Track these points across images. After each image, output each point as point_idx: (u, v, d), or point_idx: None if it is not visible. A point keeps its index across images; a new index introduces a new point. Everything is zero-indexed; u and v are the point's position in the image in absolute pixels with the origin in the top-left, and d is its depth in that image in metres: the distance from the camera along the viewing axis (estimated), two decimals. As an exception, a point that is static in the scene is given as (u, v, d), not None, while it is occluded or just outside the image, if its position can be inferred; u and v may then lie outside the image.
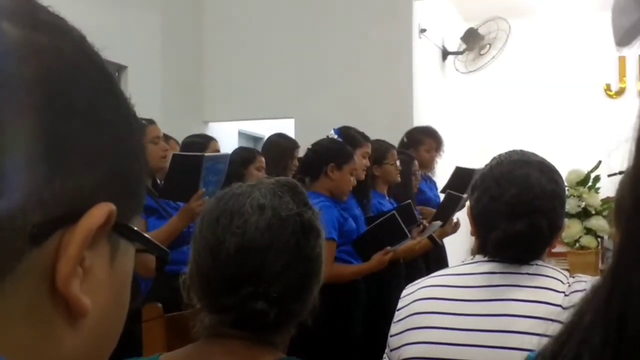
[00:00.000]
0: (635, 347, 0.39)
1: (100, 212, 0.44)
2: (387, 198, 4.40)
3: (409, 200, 4.14)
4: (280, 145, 4.58)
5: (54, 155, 0.42)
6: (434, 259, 4.54)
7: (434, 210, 4.69)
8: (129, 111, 0.50)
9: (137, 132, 0.50)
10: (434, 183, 5.34)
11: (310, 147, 3.82)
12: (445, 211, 4.37)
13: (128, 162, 0.49)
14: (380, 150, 4.29)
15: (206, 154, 3.56)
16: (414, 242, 4.09)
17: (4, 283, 0.41)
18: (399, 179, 4.36)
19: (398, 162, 4.34)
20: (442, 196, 4.94)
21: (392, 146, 4.46)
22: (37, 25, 0.44)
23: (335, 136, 3.87)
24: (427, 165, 5.12)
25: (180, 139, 4.58)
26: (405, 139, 5.11)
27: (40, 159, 0.41)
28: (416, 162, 4.72)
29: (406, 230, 3.65)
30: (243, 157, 4.36)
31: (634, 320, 0.40)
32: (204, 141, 4.43)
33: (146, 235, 0.50)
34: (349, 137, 3.92)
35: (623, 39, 0.44)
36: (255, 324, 1.20)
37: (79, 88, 0.45)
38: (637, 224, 0.40)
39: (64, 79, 0.44)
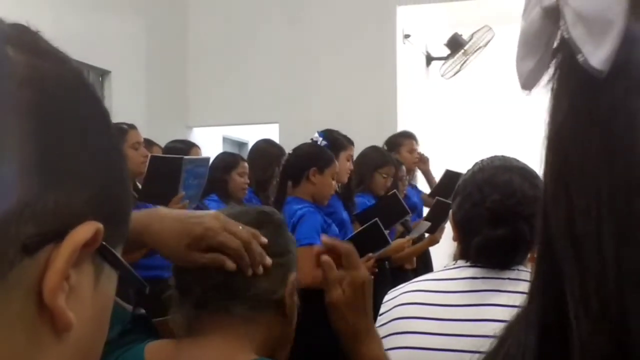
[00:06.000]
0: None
1: (88, 228, 0.46)
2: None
3: (394, 190, 4.15)
4: (267, 152, 4.57)
5: (48, 172, 0.44)
6: (420, 264, 4.55)
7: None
8: (118, 142, 0.53)
9: (124, 163, 0.53)
10: (417, 189, 5.37)
11: (291, 151, 3.83)
12: (434, 218, 4.38)
13: (116, 189, 0.51)
14: (379, 158, 4.34)
15: (185, 157, 3.54)
16: (402, 240, 4.12)
17: None
18: (382, 192, 4.41)
19: (389, 180, 4.39)
20: (429, 198, 4.96)
21: (392, 161, 4.50)
22: (39, 52, 0.47)
23: (320, 139, 3.88)
24: (412, 165, 5.17)
25: (163, 144, 4.57)
26: (385, 147, 5.15)
27: (34, 174, 0.43)
28: (404, 168, 4.74)
29: (388, 238, 3.66)
30: (226, 163, 4.36)
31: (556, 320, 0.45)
32: (186, 147, 4.43)
33: (128, 266, 0.52)
34: (333, 140, 3.93)
35: (526, 83, 0.49)
36: None
37: (76, 113, 0.48)
38: (551, 220, 0.46)
39: (62, 103, 0.47)
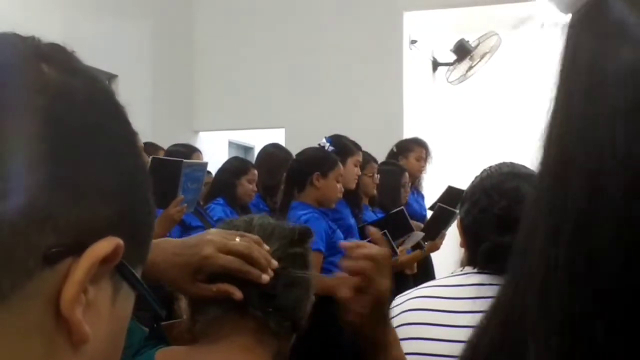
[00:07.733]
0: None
1: (108, 243, 0.46)
2: (370, 208, 4.40)
3: (402, 207, 4.14)
4: (275, 156, 4.57)
5: (73, 187, 0.45)
6: (420, 271, 4.53)
7: (420, 224, 4.68)
8: (144, 163, 0.55)
9: (149, 184, 0.54)
10: (422, 196, 5.34)
11: (294, 157, 3.82)
12: (436, 225, 4.36)
13: (139, 209, 0.52)
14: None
15: (185, 160, 3.53)
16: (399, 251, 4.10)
17: (14, 299, 0.43)
18: (375, 192, 4.39)
19: (377, 176, 4.37)
20: (429, 211, 4.93)
21: (373, 158, 4.48)
22: (71, 70, 0.49)
23: (327, 145, 3.87)
24: (417, 173, 5.13)
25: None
26: (394, 149, 5.12)
27: (60, 187, 0.44)
28: (406, 174, 4.71)
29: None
30: (237, 168, 4.37)
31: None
32: (188, 151, 4.43)
33: (146, 287, 0.52)
34: (341, 146, 3.92)
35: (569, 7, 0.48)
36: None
37: (103, 131, 0.49)
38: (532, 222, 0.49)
39: (91, 121, 0.48)
